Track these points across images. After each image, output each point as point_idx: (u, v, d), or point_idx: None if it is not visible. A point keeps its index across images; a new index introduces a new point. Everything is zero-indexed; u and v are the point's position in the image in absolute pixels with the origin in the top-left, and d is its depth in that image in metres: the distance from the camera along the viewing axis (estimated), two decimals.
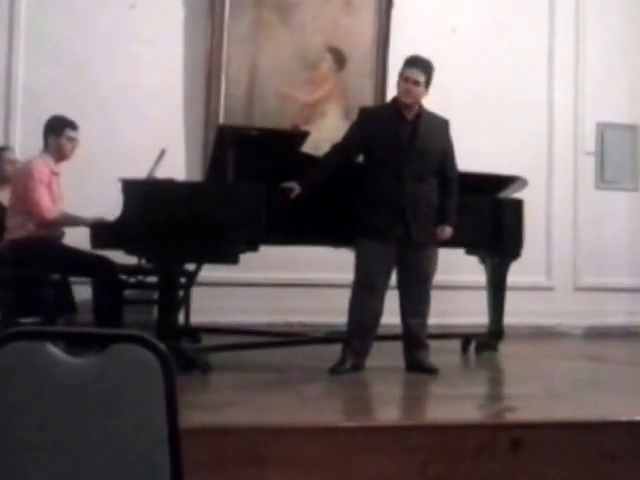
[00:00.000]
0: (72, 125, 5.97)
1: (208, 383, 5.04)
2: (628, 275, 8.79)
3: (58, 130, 5.93)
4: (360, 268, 5.33)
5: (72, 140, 5.98)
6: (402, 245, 5.30)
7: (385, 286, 5.41)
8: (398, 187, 5.24)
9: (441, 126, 5.49)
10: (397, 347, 5.54)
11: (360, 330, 5.34)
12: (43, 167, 5.85)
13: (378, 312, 5.37)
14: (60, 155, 5.98)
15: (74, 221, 5.87)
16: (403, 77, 5.34)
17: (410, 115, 5.37)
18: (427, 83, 5.36)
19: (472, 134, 7.20)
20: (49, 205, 5.80)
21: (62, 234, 6.02)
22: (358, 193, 5.36)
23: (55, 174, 5.96)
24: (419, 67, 5.33)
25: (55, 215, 5.83)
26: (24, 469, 1.80)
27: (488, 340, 6.53)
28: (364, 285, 5.30)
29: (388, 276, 5.40)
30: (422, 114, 5.40)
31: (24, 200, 5.79)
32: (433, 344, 5.63)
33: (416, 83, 5.29)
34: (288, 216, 5.26)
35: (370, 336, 5.39)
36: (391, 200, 5.25)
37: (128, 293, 6.42)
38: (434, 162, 5.39)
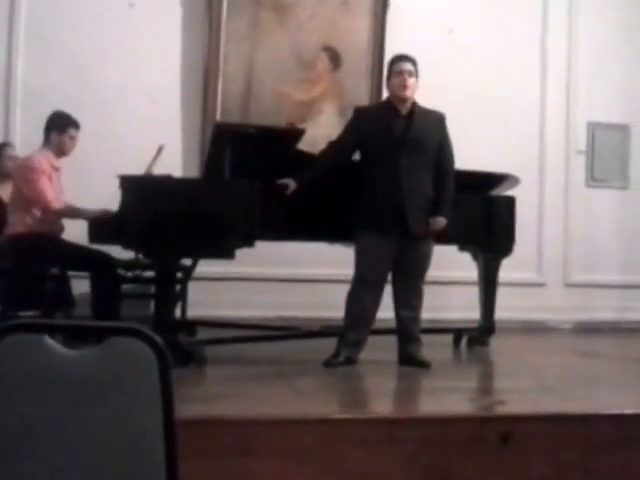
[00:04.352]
0: (76, 125, 6.02)
1: (203, 376, 5.07)
2: (617, 272, 8.83)
3: (62, 127, 5.96)
4: (360, 262, 5.37)
5: (73, 139, 6.02)
6: (400, 239, 5.34)
7: (384, 280, 5.45)
8: (395, 180, 5.29)
9: (436, 119, 5.53)
10: (390, 341, 5.59)
11: (357, 323, 5.38)
12: (44, 160, 5.88)
13: (375, 306, 5.41)
14: (60, 151, 6.00)
15: (78, 213, 5.90)
16: (396, 72, 5.41)
17: (404, 110, 5.42)
18: (417, 75, 5.45)
19: (466, 133, 7.17)
20: (53, 195, 5.84)
21: (61, 229, 6.04)
22: (356, 188, 5.39)
23: (55, 169, 5.99)
24: (408, 60, 5.44)
25: (60, 205, 5.87)
26: (22, 459, 1.82)
27: (479, 335, 6.57)
28: (364, 279, 5.34)
29: (387, 270, 5.44)
30: (416, 109, 5.46)
31: (27, 193, 5.81)
32: (425, 338, 5.66)
33: (410, 74, 5.39)
34: (284, 212, 5.30)
35: (366, 329, 5.43)
36: (389, 194, 5.29)
37: (125, 287, 6.46)
38: (429, 154, 5.42)
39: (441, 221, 5.43)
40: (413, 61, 5.44)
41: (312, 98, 8.06)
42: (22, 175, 5.89)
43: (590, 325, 8.54)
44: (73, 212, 5.95)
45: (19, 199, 5.87)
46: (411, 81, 5.40)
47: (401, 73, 5.39)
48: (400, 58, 5.48)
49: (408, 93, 5.41)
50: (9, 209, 5.98)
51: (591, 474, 3.77)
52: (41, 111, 6.13)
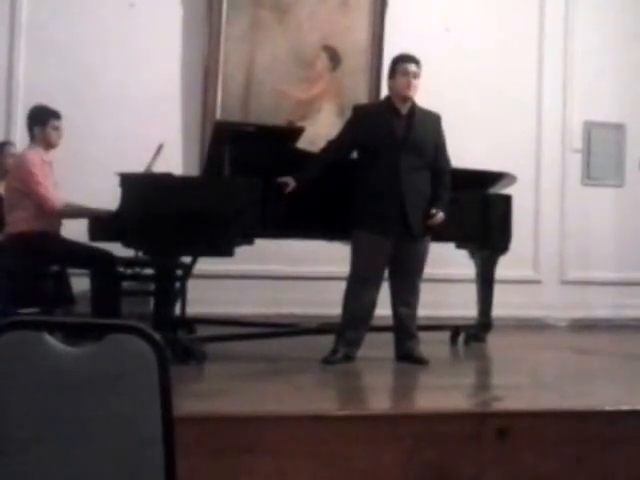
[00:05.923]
0: (56, 115, 5.98)
1: (202, 373, 5.08)
2: (613, 269, 8.89)
3: (43, 121, 5.92)
4: (357, 261, 5.38)
5: (57, 129, 5.98)
6: (399, 238, 5.36)
7: (381, 278, 5.48)
8: (395, 180, 5.30)
9: (434, 120, 5.56)
10: (388, 338, 5.61)
11: (354, 321, 5.39)
12: (36, 159, 5.86)
13: (373, 304, 5.43)
14: (48, 144, 5.96)
15: (81, 212, 5.92)
16: (402, 72, 5.41)
17: (404, 110, 5.45)
18: (420, 76, 5.47)
19: (462, 131, 7.26)
20: (54, 195, 5.85)
21: (59, 225, 6.07)
22: (355, 187, 5.41)
23: (47, 163, 5.98)
24: (415, 61, 5.45)
25: (61, 204, 5.88)
26: (21, 456, 1.84)
27: (476, 332, 6.61)
28: (361, 278, 5.36)
29: (384, 268, 5.47)
30: (415, 109, 5.48)
31: (28, 195, 5.81)
32: (423, 335, 5.69)
33: (415, 76, 5.41)
34: (283, 210, 5.32)
35: (363, 327, 5.46)
36: (389, 193, 5.31)
37: (125, 285, 6.46)
38: (428, 155, 5.45)
39: (440, 215, 5.44)
40: (418, 62, 5.45)
41: (311, 97, 8.09)
42: (18, 176, 5.87)
43: (586, 322, 8.57)
44: (76, 212, 5.95)
45: (17, 197, 5.85)
46: (415, 82, 5.42)
47: (407, 74, 5.40)
48: (406, 58, 5.47)
49: (411, 94, 5.43)
50: (6, 208, 5.96)
51: (587, 470, 3.79)
52: None
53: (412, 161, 5.37)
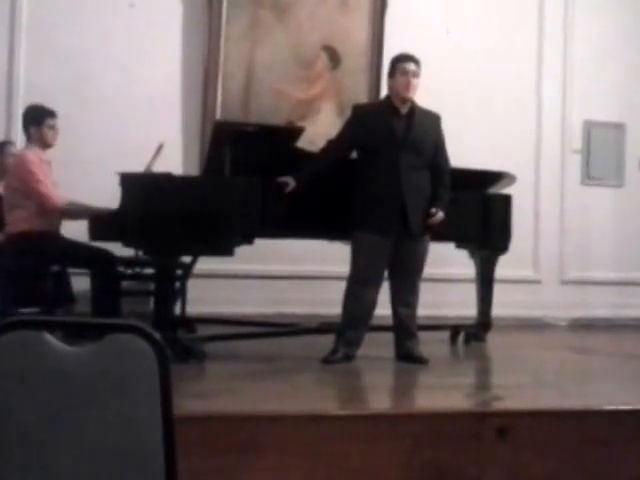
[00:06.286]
0: (51, 114, 5.98)
1: (202, 372, 5.08)
2: (612, 269, 8.90)
3: (39, 120, 5.92)
4: (357, 261, 5.38)
5: (53, 128, 5.98)
6: (399, 238, 5.36)
7: (381, 278, 5.48)
8: (395, 180, 5.30)
9: (433, 120, 5.57)
10: (388, 338, 5.61)
11: (354, 321, 5.39)
12: (35, 158, 5.86)
13: (373, 304, 5.43)
14: (44, 144, 5.96)
15: (81, 210, 5.92)
16: (401, 71, 5.40)
17: (404, 109, 5.44)
18: (419, 75, 5.46)
19: (462, 131, 7.28)
20: (55, 194, 5.85)
21: (59, 225, 6.07)
22: (355, 187, 5.40)
23: (46, 162, 5.98)
24: (415, 61, 5.45)
25: (63, 202, 5.88)
26: (22, 455, 1.83)
27: (476, 331, 6.61)
28: (361, 278, 5.36)
29: (384, 268, 5.46)
30: (415, 109, 5.48)
31: (28, 194, 5.81)
32: (423, 335, 5.69)
33: (414, 75, 5.40)
34: (283, 209, 5.32)
35: (363, 327, 5.46)
36: (390, 193, 5.31)
37: (125, 284, 6.46)
38: (428, 155, 5.45)
39: (440, 215, 5.44)
40: (417, 62, 5.45)
41: (311, 97, 8.09)
42: (18, 175, 5.86)
43: (585, 322, 8.59)
44: (77, 210, 5.95)
45: (17, 197, 5.84)
46: (415, 82, 5.42)
47: (406, 73, 5.39)
48: (405, 58, 5.47)
49: (411, 94, 5.43)
50: (6, 207, 5.96)
51: (587, 469, 3.79)
52: None
53: (412, 160, 5.37)
